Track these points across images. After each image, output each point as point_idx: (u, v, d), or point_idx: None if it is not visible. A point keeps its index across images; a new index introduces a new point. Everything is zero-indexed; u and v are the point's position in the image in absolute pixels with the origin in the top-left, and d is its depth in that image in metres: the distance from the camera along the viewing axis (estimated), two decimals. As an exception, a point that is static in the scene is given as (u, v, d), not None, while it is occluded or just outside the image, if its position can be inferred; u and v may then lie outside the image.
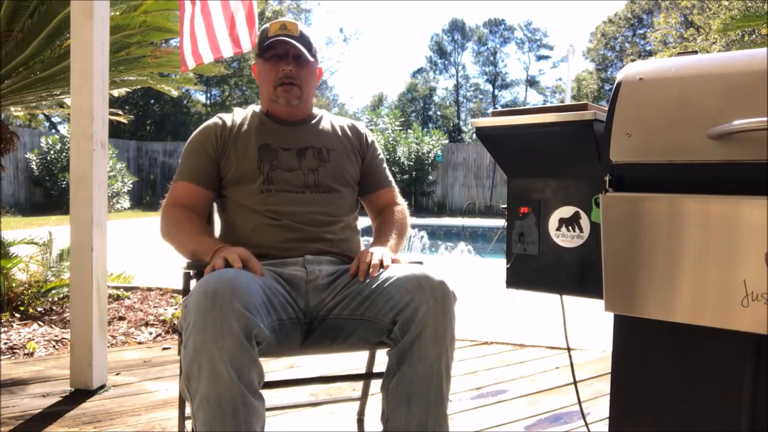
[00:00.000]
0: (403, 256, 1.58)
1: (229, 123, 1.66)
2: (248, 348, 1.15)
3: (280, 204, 1.56)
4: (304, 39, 1.64)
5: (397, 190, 1.82)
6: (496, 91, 40.91)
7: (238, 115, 1.70)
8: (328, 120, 1.77)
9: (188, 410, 1.54)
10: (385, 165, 1.83)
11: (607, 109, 1.17)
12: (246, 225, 1.57)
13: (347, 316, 1.44)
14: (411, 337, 1.28)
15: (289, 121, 1.69)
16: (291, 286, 1.47)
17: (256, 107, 1.74)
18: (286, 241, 1.53)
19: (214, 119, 1.68)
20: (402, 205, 1.80)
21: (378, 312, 1.37)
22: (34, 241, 3.82)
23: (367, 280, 1.44)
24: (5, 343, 2.92)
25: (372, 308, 1.38)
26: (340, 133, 1.75)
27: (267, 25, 1.69)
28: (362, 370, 1.84)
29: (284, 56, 1.62)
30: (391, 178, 1.83)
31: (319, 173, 1.63)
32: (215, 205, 1.72)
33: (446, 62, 41.62)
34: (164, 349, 2.98)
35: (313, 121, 1.73)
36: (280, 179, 1.59)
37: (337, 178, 1.66)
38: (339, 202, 1.64)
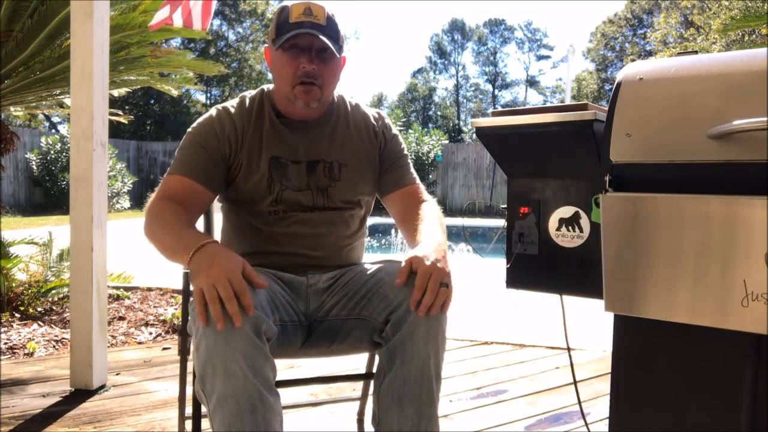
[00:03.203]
0: (403, 256, 1.53)
1: (239, 127, 1.46)
2: (260, 345, 1.13)
3: (288, 226, 1.48)
4: (331, 27, 1.40)
5: (422, 187, 1.63)
6: (496, 91, 40.94)
7: (247, 110, 1.49)
8: (344, 118, 1.57)
9: (188, 410, 1.54)
10: (408, 161, 1.64)
11: (607, 109, 1.17)
12: (249, 243, 1.50)
13: (345, 317, 1.43)
14: (402, 336, 1.26)
15: (302, 123, 1.51)
16: (291, 289, 1.46)
17: (267, 89, 1.53)
18: (290, 264, 1.49)
19: (220, 118, 1.47)
20: (431, 201, 1.60)
21: (373, 311, 1.36)
22: (34, 241, 3.82)
23: (367, 280, 1.43)
24: (5, 343, 2.92)
25: (368, 307, 1.38)
26: (355, 137, 1.56)
27: (288, 3, 1.41)
28: (362, 370, 1.84)
29: (306, 49, 1.40)
30: (415, 174, 1.64)
31: (329, 193, 1.50)
32: (216, 205, 1.63)
33: (446, 62, 41.65)
34: (164, 349, 2.98)
35: (328, 123, 1.54)
36: (290, 200, 1.48)
37: (347, 199, 1.53)
38: (349, 221, 1.55)
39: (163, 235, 1.31)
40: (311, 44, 1.39)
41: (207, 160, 1.44)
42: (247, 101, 1.51)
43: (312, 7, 1.38)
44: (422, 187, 1.62)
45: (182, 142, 1.47)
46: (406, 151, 1.64)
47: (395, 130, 1.65)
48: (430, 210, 1.52)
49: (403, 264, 1.30)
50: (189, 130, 1.48)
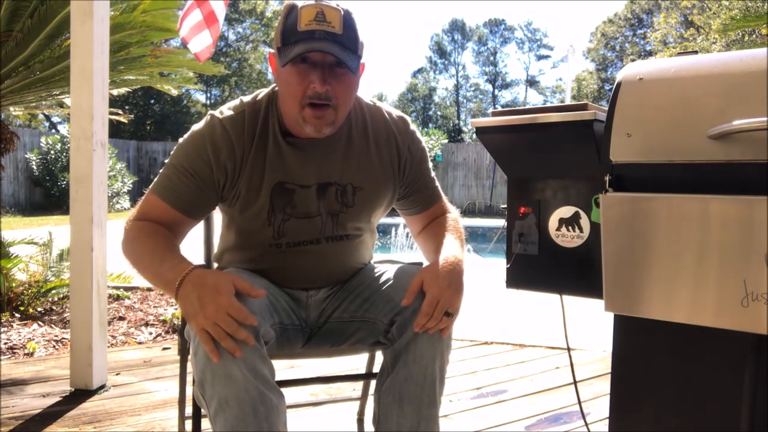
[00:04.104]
0: (403, 256, 1.54)
1: (238, 151, 1.27)
2: (258, 347, 1.13)
3: (289, 260, 1.38)
4: (348, 35, 1.19)
5: (445, 198, 1.51)
6: (496, 91, 40.97)
7: (249, 130, 1.28)
8: (362, 131, 1.37)
9: (188, 410, 1.54)
10: (432, 175, 1.49)
11: (607, 109, 1.17)
12: (248, 266, 1.42)
13: (348, 319, 1.43)
14: (407, 338, 1.27)
15: (312, 141, 1.30)
16: (291, 296, 1.45)
17: (275, 94, 1.32)
18: (292, 287, 1.45)
19: (215, 141, 1.26)
20: (454, 213, 1.49)
21: (378, 313, 1.36)
22: (34, 241, 3.82)
23: (371, 283, 1.42)
24: (5, 343, 2.92)
25: (372, 309, 1.38)
26: (374, 156, 1.38)
27: (298, 3, 1.19)
28: (362, 370, 1.84)
29: (318, 64, 1.19)
30: (437, 185, 1.50)
31: (339, 219, 1.36)
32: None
33: (446, 62, 41.67)
34: (164, 349, 2.98)
35: (342, 140, 1.34)
36: (294, 230, 1.34)
37: (359, 226, 1.41)
38: (359, 247, 1.46)
39: (145, 262, 1.23)
40: (324, 58, 1.18)
41: (195, 190, 1.27)
42: (250, 115, 1.30)
43: (325, 10, 1.16)
44: (445, 199, 1.50)
45: (172, 156, 1.29)
46: (429, 167, 1.48)
47: (421, 139, 1.46)
48: (450, 222, 1.43)
49: (414, 280, 1.26)
50: (181, 141, 1.30)
